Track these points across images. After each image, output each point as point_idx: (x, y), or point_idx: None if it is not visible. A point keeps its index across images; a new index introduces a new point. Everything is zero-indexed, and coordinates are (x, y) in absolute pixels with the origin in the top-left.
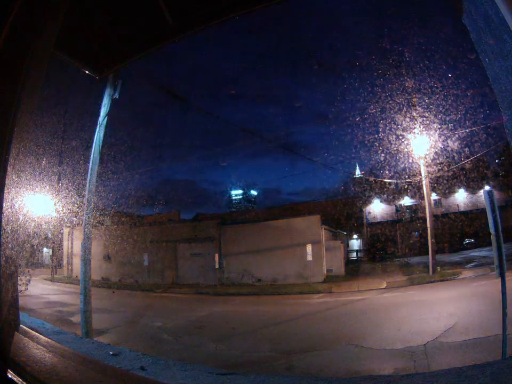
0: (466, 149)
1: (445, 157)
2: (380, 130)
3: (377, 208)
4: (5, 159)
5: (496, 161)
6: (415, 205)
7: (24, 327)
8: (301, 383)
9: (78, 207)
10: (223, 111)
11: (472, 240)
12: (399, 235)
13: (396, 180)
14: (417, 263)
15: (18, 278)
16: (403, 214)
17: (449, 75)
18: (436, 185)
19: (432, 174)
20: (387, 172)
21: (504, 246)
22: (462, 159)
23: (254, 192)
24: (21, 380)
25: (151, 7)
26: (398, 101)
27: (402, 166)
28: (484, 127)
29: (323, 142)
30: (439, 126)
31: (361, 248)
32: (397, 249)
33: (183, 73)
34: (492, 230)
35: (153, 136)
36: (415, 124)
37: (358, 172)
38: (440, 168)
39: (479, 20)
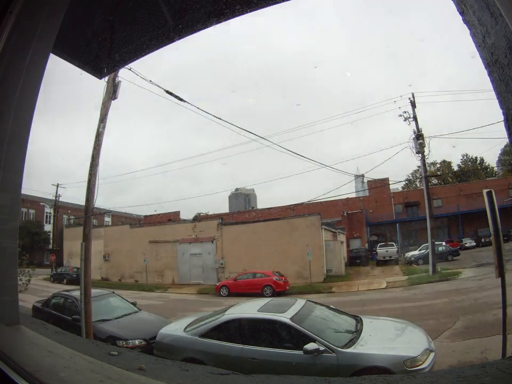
0: None
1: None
2: None
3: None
4: (5, 159)
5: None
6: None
7: (24, 327)
8: (301, 382)
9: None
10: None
11: (473, 242)
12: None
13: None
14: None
15: (18, 278)
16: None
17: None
18: None
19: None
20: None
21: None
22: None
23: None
24: (21, 379)
25: (151, 7)
26: None
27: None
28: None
29: None
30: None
31: (362, 248)
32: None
33: None
34: (492, 230)
35: None
36: None
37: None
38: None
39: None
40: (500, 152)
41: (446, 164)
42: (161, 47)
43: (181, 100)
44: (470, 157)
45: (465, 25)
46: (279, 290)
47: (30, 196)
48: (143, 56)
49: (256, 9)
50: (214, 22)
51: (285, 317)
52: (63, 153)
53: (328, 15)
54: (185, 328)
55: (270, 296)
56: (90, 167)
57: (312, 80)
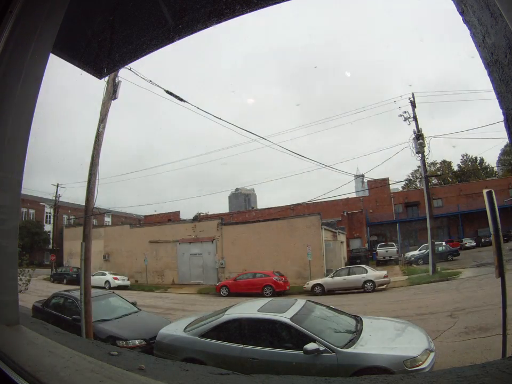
0: None
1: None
2: None
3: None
4: (5, 159)
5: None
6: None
7: (24, 327)
8: (301, 382)
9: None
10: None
11: (473, 242)
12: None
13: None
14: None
15: (18, 278)
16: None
17: None
18: None
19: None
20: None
21: None
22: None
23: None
24: (21, 379)
25: (151, 7)
26: None
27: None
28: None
29: None
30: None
31: (362, 248)
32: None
33: None
34: (492, 230)
35: None
36: None
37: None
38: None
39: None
40: (500, 152)
41: (446, 164)
42: (161, 47)
43: (181, 99)
44: (470, 157)
45: (465, 25)
46: (279, 290)
47: (30, 196)
48: (143, 56)
49: (256, 9)
50: (214, 22)
51: (285, 317)
52: (63, 153)
53: (327, 14)
54: (185, 328)
55: (270, 296)
56: (90, 167)
57: (312, 79)
